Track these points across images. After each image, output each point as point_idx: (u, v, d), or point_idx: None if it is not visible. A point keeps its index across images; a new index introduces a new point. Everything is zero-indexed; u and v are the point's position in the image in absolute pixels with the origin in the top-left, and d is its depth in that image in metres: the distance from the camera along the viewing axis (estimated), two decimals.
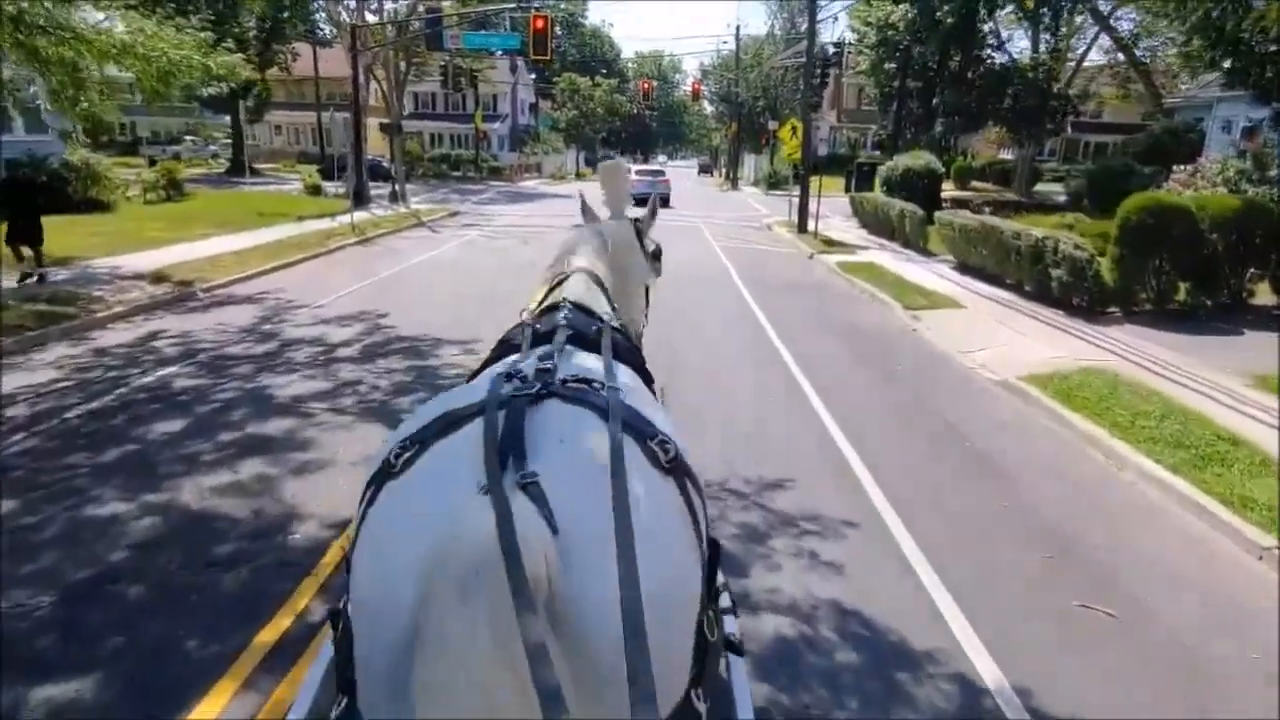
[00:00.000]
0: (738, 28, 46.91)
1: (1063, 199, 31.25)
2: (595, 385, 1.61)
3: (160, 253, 13.94)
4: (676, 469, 1.49)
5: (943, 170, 22.97)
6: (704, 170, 77.58)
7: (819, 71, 22.41)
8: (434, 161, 51.25)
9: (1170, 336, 10.25)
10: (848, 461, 5.88)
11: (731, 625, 2.08)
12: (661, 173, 32.45)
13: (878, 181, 23.74)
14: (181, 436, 5.71)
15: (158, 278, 11.88)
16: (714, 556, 1.62)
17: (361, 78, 29.50)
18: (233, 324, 9.55)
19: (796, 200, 26.10)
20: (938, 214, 16.75)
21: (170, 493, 4.79)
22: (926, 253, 18.41)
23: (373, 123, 41.60)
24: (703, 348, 9.25)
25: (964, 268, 15.87)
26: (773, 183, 43.13)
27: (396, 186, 28.87)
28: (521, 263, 14.91)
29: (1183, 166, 19.65)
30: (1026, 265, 12.67)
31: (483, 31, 25.85)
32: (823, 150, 20.67)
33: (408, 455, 1.44)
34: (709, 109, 72.42)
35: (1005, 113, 25.68)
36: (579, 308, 2.23)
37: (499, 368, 1.74)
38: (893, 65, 26.37)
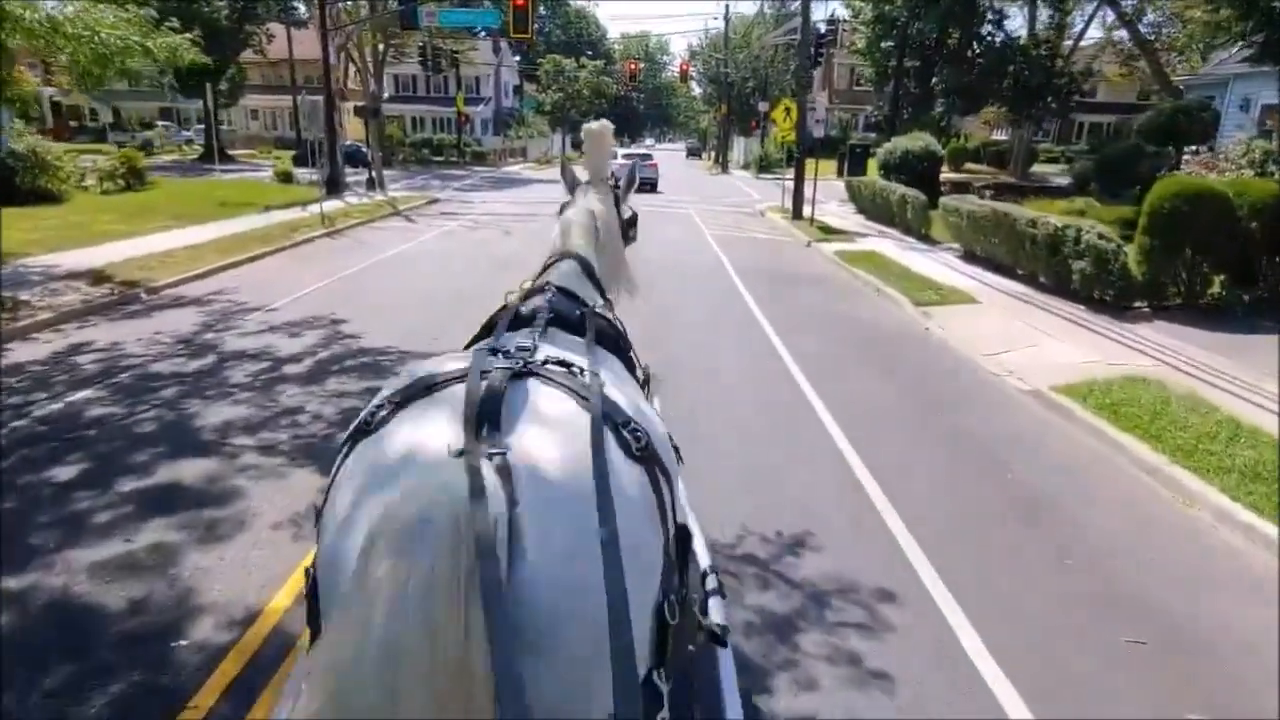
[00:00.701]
0: (726, 6, 45.57)
1: (1063, 182, 30.37)
2: (575, 370, 1.64)
3: (107, 249, 12.81)
4: (646, 457, 1.53)
5: (943, 153, 22.00)
6: (692, 153, 76.35)
7: (813, 49, 21.33)
8: (415, 146, 49.81)
9: (1207, 335, 9.38)
10: (876, 509, 4.95)
11: (718, 611, 2.02)
12: (649, 156, 31.39)
13: (874, 164, 22.76)
14: (72, 488, 4.69)
15: (99, 278, 10.79)
16: (684, 543, 1.68)
17: (336, 59, 28.24)
18: (172, 332, 8.51)
19: (790, 184, 25.12)
20: (943, 200, 15.80)
21: (37, 573, 3.80)
22: (929, 240, 17.49)
23: (350, 107, 40.26)
24: (696, 354, 8.30)
25: (971, 257, 14.97)
26: (764, 166, 42.05)
27: (373, 173, 27.62)
28: (503, 257, 13.87)
29: (1196, 147, 18.79)
30: (1043, 256, 11.75)
31: (461, 8, 24.51)
32: (819, 132, 19.55)
33: (383, 414, 1.49)
34: (697, 91, 71.01)
35: (1007, 92, 24.66)
36: (563, 291, 2.26)
37: (482, 345, 1.77)
38: (890, 43, 25.24)
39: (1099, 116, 49.52)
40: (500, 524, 1.18)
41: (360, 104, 29.87)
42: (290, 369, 7.15)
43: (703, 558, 2.21)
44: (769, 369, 8.12)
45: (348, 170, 29.48)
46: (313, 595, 1.46)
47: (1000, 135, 53.33)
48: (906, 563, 4.28)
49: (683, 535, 1.68)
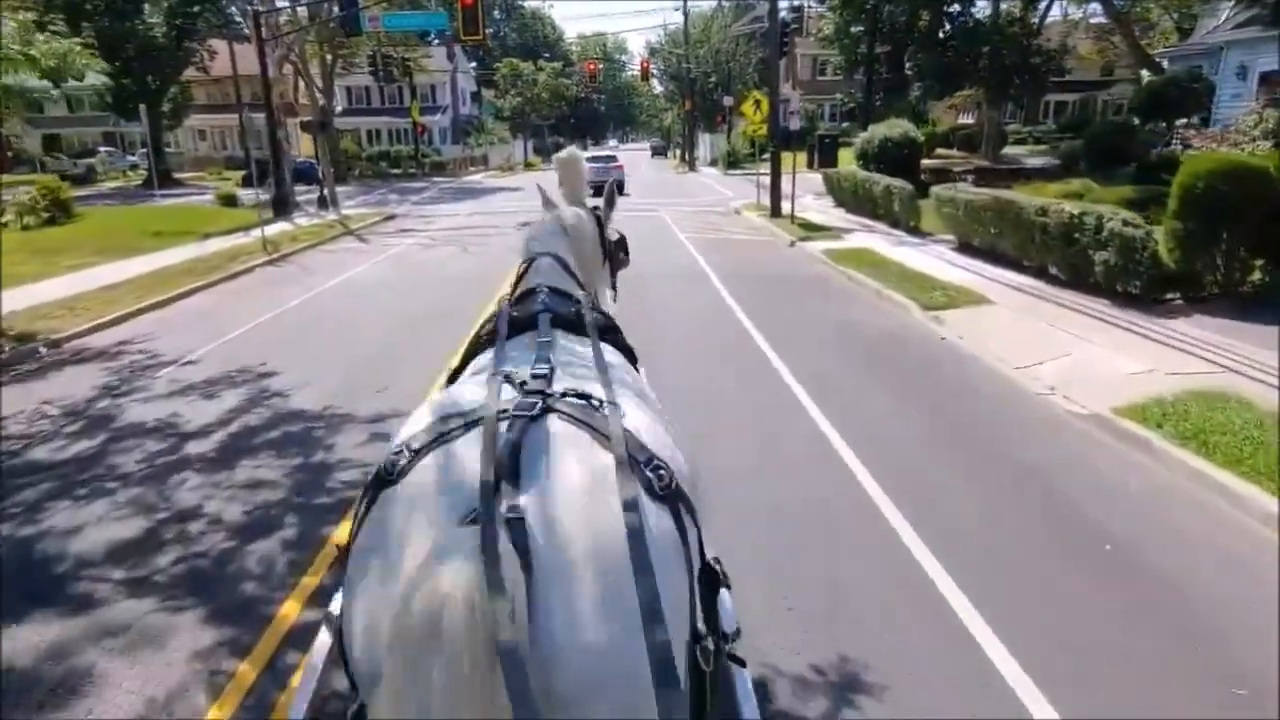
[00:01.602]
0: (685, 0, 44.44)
1: (1038, 163, 29.58)
2: (594, 402, 1.56)
3: (7, 295, 11.26)
4: (671, 495, 1.46)
5: (922, 139, 20.99)
6: (657, 152, 75.09)
7: (780, 37, 20.20)
8: (372, 160, 48.04)
9: (1255, 329, 8.32)
10: (948, 602, 3.76)
11: (726, 602, 1.87)
12: (614, 158, 30.15)
13: (852, 154, 21.72)
14: None
15: None
16: (713, 579, 1.62)
17: (277, 71, 26.67)
18: (62, 400, 7.10)
19: (761, 180, 24.01)
20: (935, 190, 14.73)
21: None
22: (919, 233, 16.43)
23: (299, 122, 38.48)
24: (686, 378, 7.05)
25: (968, 249, 13.91)
26: (732, 162, 40.99)
27: (325, 191, 26.08)
28: (460, 279, 12.53)
29: (1187, 120, 17.95)
30: (1057, 247, 10.68)
31: (406, 12, 23.05)
32: (794, 124, 18.43)
33: (404, 463, 1.45)
34: (659, 89, 69.84)
35: (983, 73, 23.70)
36: (554, 290, 2.22)
37: (484, 360, 1.82)
38: (860, 28, 24.12)
39: (1064, 95, 48.99)
40: (518, 592, 1.16)
41: (308, 119, 28.17)
42: (195, 448, 5.77)
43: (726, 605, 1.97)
44: (771, 395, 6.91)
45: (300, 189, 27.90)
46: (339, 644, 1.45)
47: (967, 119, 52.84)
48: (990, 667, 3.10)
49: (709, 573, 1.60)
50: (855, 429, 6.01)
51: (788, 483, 5.20)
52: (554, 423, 1.48)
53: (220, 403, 6.80)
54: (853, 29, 24.18)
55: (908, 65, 25.46)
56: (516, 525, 1.24)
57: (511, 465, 1.36)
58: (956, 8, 23.51)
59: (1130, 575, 4.10)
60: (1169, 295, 9.60)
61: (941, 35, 24.24)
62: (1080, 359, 7.84)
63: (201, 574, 4.02)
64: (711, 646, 1.49)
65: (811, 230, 17.44)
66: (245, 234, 18.39)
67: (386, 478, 1.45)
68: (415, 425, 1.55)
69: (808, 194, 23.08)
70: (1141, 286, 9.53)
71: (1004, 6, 24.90)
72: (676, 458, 1.59)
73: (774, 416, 6.47)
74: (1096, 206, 10.28)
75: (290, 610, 3.63)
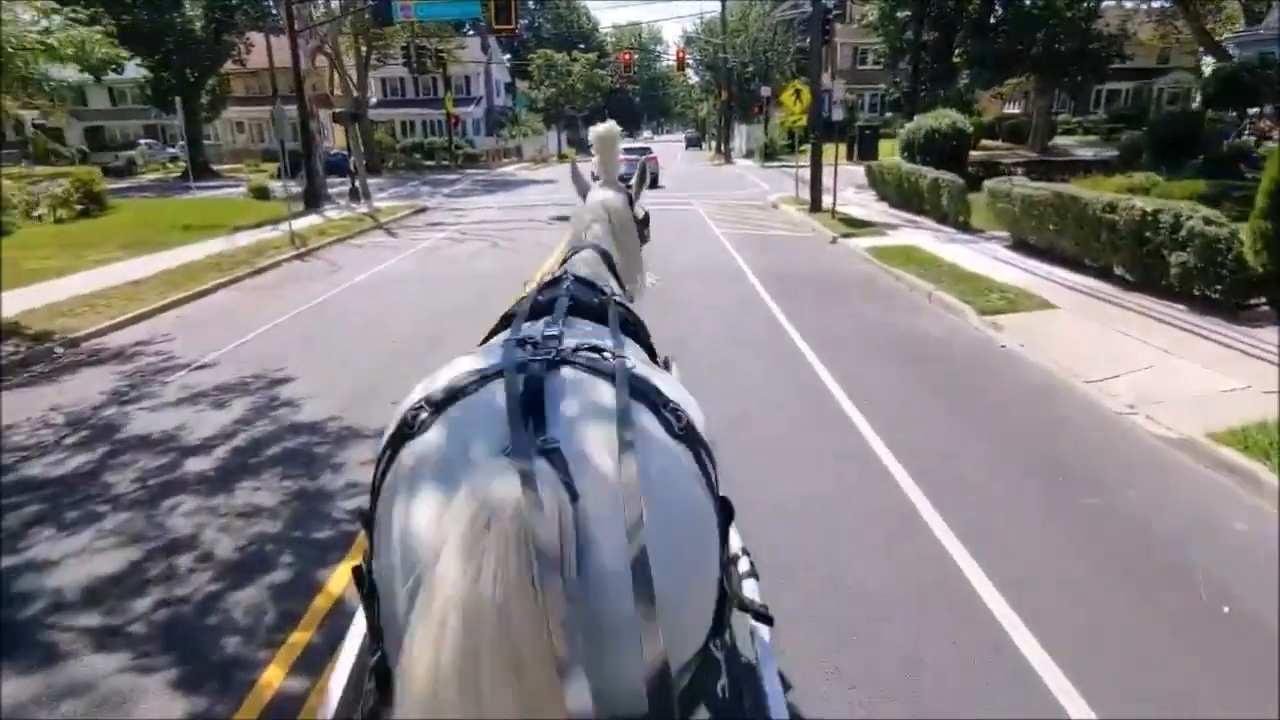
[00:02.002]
0: None
1: (1087, 154, 28.32)
2: (606, 355, 1.62)
3: (30, 291, 11.08)
4: (689, 436, 1.51)
5: (970, 130, 20.04)
6: (692, 144, 74.19)
7: (823, 23, 19.39)
8: (405, 152, 47.95)
9: None
10: (1049, 691, 3.16)
11: (753, 590, 2.07)
12: (647, 150, 29.59)
13: (897, 146, 20.86)
14: None
15: (7, 330, 9.07)
16: (727, 516, 1.66)
17: (309, 63, 26.52)
18: (72, 406, 6.77)
19: (800, 173, 23.22)
20: (988, 184, 13.91)
21: None
22: (969, 229, 15.60)
23: (332, 113, 38.46)
24: (727, 392, 6.49)
25: (1024, 247, 13.11)
26: (768, 154, 40.12)
27: (356, 183, 25.88)
28: (489, 275, 12.07)
29: (1260, 110, 16.80)
30: (1128, 246, 9.88)
31: (439, 0, 22.67)
32: (837, 115, 17.64)
33: (424, 417, 1.45)
34: (694, 79, 68.83)
35: (1036, 60, 22.53)
36: (581, 281, 2.23)
37: (508, 334, 1.77)
38: (906, 13, 23.11)
39: (1116, 84, 46.99)
40: (566, 516, 1.20)
41: (337, 110, 28.00)
42: (196, 465, 5.36)
43: (734, 540, 2.09)
44: (821, 414, 6.31)
45: (334, 181, 27.76)
46: (370, 597, 1.46)
47: (1013, 109, 51.19)
48: None
49: (726, 508, 1.66)
50: (918, 458, 5.40)
51: (846, 523, 4.62)
52: (569, 370, 1.53)
53: (229, 412, 6.39)
54: (898, 14, 23.16)
55: (956, 53, 24.35)
56: (554, 454, 1.27)
57: (536, 405, 1.39)
58: None
59: (1253, 640, 3.45)
60: (1253, 301, 8.78)
61: (992, 20, 23.11)
62: (1161, 372, 7.11)
63: (182, 623, 3.56)
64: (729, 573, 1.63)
65: (854, 226, 16.69)
66: (274, 228, 18.18)
67: (407, 432, 1.45)
68: (432, 384, 1.56)
69: (849, 187, 22.27)
70: (1223, 291, 8.72)
71: None
72: (691, 405, 1.63)
73: (827, 442, 5.87)
74: (1172, 203, 9.46)
75: (273, 677, 3.16)
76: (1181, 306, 9.09)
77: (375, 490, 1.49)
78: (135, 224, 18.11)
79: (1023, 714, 3.04)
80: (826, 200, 18.99)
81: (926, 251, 13.25)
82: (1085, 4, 21.99)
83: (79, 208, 19.08)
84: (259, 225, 18.27)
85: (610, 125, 2.94)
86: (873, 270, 12.61)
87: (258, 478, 5.12)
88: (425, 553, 1.22)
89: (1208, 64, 45.87)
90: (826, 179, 18.64)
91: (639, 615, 1.18)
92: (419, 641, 1.12)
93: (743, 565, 2.11)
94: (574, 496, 1.23)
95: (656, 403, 1.52)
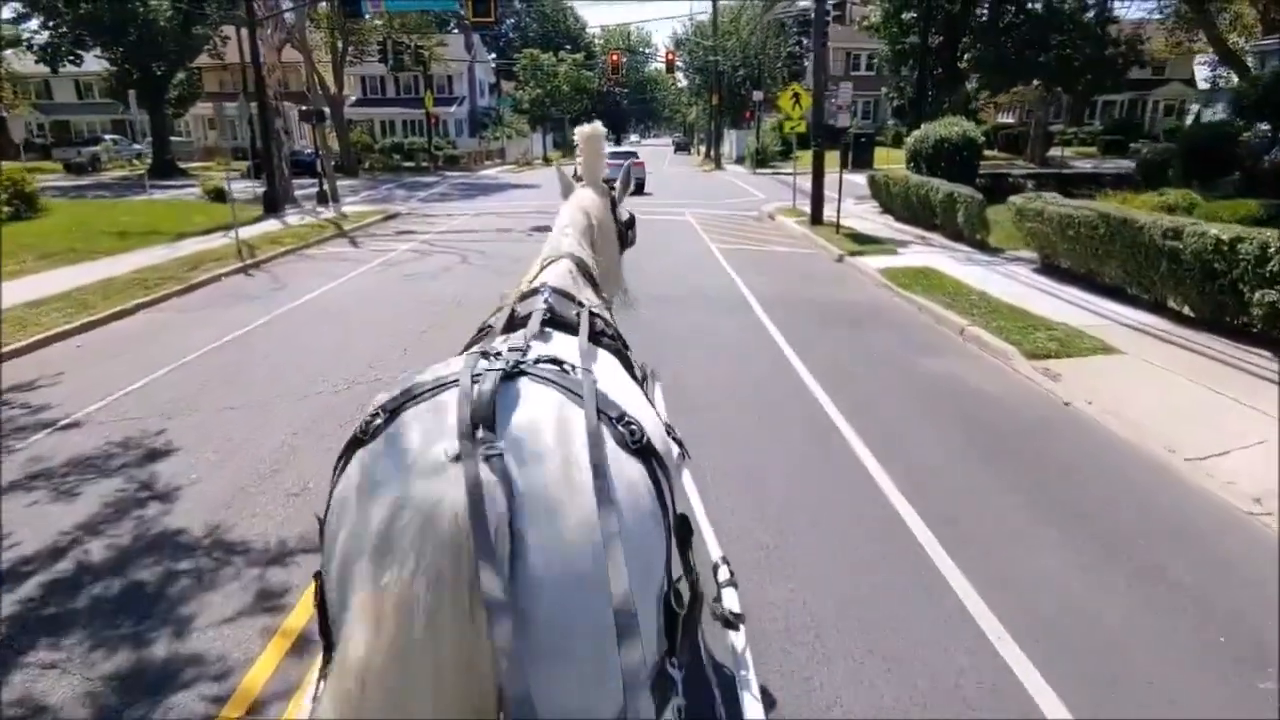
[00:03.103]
0: None
1: (1084, 166, 27.08)
2: (567, 367, 1.61)
3: None
4: (644, 450, 1.51)
5: (982, 140, 18.67)
6: (680, 148, 72.82)
7: (824, 23, 17.96)
8: (384, 152, 46.12)
9: None
10: None
11: (733, 601, 2.09)
12: (634, 154, 28.12)
13: (904, 155, 19.46)
14: None
15: None
16: (684, 532, 1.67)
17: (277, 55, 24.82)
18: None
19: (795, 181, 21.80)
20: (1015, 200, 12.50)
21: None
22: (986, 248, 14.23)
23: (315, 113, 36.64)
24: (747, 483, 4.98)
25: (1053, 270, 11.74)
26: (760, 160, 38.73)
27: (324, 186, 24.19)
28: (449, 302, 10.48)
29: None
30: (1194, 278, 8.47)
31: None
32: (843, 119, 16.18)
33: (378, 423, 1.46)
34: (683, 83, 67.41)
35: (1048, 66, 21.16)
36: (559, 292, 2.19)
37: (475, 349, 1.75)
38: (912, 14, 21.69)
39: (1110, 95, 45.98)
40: (501, 524, 1.20)
41: (303, 107, 26.33)
42: None
43: (714, 549, 2.27)
44: (862, 509, 4.80)
45: (307, 182, 26.02)
46: (322, 605, 1.46)
47: (1007, 118, 50.21)
48: None
49: (683, 524, 1.67)
50: (1001, 590, 3.90)
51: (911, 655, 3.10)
52: (525, 381, 1.52)
53: (71, 507, 4.75)
54: (904, 16, 21.74)
55: (966, 58, 22.98)
56: (496, 460, 1.28)
57: (486, 414, 1.37)
58: None
59: None
60: None
61: (1002, 24, 21.77)
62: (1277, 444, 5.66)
63: None
64: (686, 591, 1.60)
65: (861, 242, 15.26)
66: (226, 234, 16.54)
67: (361, 437, 1.46)
68: (388, 394, 1.56)
69: (849, 198, 20.78)
70: None
71: None
72: (650, 421, 1.63)
73: (868, 538, 4.36)
74: (1254, 231, 8.04)
75: None
76: (1266, 353, 7.68)
77: (330, 494, 1.46)
78: (66, 229, 16.31)
79: None
80: (827, 212, 17.60)
81: (947, 275, 11.81)
82: (1102, 8, 20.60)
83: (8, 209, 17.26)
84: (208, 232, 16.59)
85: (595, 125, 2.90)
86: (889, 297, 11.14)
87: (71, 634, 3.49)
88: (360, 553, 1.24)
89: (1204, 77, 45.07)
90: (829, 190, 17.25)
91: (577, 627, 1.20)
92: (348, 641, 1.17)
93: (722, 574, 2.13)
94: (512, 503, 1.23)
95: (610, 416, 1.50)
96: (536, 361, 1.59)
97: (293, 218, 20.45)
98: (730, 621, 1.98)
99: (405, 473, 1.29)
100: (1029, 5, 21.55)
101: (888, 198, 18.96)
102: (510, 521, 1.22)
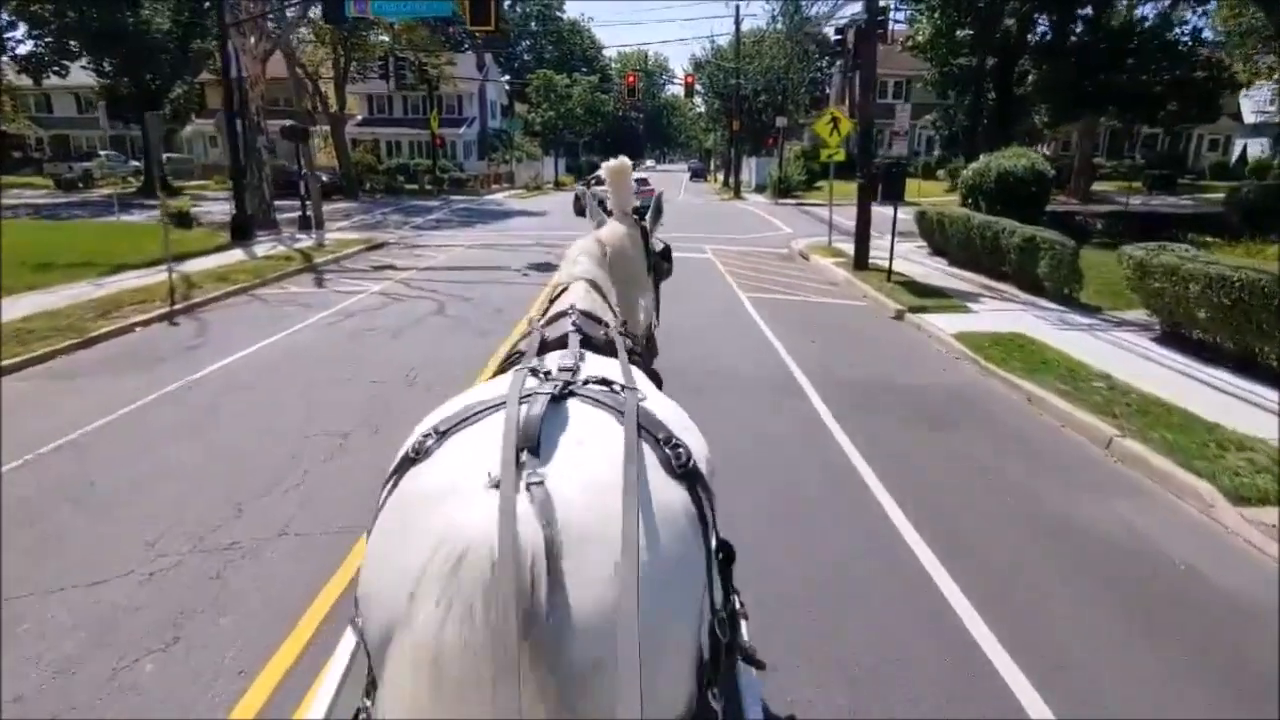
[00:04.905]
0: (737, 7, 40.01)
1: (1133, 203, 24.47)
2: (615, 388, 1.59)
3: None
4: (689, 474, 1.47)
5: (1053, 174, 16.13)
6: (696, 175, 70.49)
7: (869, 36, 15.54)
8: (388, 174, 44.05)
9: None
10: None
11: (742, 631, 1.97)
12: (645, 181, 25.79)
13: (960, 189, 16.97)
14: None
15: None
16: (728, 559, 1.66)
17: (261, 67, 22.74)
18: None
19: (831, 215, 19.34)
20: (1128, 249, 9.93)
21: None
22: (1077, 304, 11.66)
23: (314, 131, 34.58)
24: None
25: (1180, 341, 9.18)
26: (783, 189, 36.33)
27: (308, 210, 21.92)
28: (408, 366, 7.97)
29: None
30: None
31: None
32: (899, 147, 13.69)
33: (430, 444, 1.45)
34: (701, 107, 65.32)
35: (1124, 91, 18.54)
36: (585, 314, 2.21)
37: (523, 365, 1.72)
38: (967, 32, 19.13)
39: (1151, 126, 43.41)
40: (538, 555, 1.17)
41: (285, 123, 24.20)
42: None
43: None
44: None
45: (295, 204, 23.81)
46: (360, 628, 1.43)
47: (1043, 150, 47.72)
48: None
49: (726, 551, 1.65)
50: None
51: None
52: (574, 403, 1.50)
53: None
54: (957, 34, 19.21)
55: (1029, 80, 20.45)
56: (538, 489, 1.25)
57: (533, 438, 1.35)
58: (1092, 9, 18.31)
59: None
60: None
61: (1068, 44, 19.29)
62: None
63: None
64: (726, 618, 1.54)
65: (919, 294, 12.71)
66: (178, 265, 14.24)
67: (413, 458, 1.45)
68: (441, 414, 1.55)
69: (885, 234, 18.36)
70: None
71: (1141, 11, 19.83)
72: (697, 442, 1.60)
73: None
74: None
75: None
76: None
77: (377, 514, 1.44)
78: None
79: None
80: (874, 255, 15.10)
81: (1050, 346, 9.22)
82: (1192, 26, 17.98)
83: None
84: (151, 265, 14.20)
85: (623, 160, 3.01)
86: (978, 376, 8.54)
87: None
88: (399, 589, 1.22)
89: (1255, 113, 42.41)
90: (867, 226, 14.73)
91: (619, 665, 1.13)
92: (390, 684, 1.20)
93: (734, 604, 1.97)
94: (551, 536, 1.19)
95: (657, 437, 1.48)
96: (586, 382, 1.58)
97: (263, 246, 18.13)
98: (753, 658, 1.85)
99: (446, 499, 1.27)
100: (1103, 21, 18.93)
101: (941, 238, 16.43)
102: (547, 549, 1.18)
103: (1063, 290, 11.83)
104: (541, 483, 1.25)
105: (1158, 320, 9.90)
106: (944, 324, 10.59)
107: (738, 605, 1.95)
